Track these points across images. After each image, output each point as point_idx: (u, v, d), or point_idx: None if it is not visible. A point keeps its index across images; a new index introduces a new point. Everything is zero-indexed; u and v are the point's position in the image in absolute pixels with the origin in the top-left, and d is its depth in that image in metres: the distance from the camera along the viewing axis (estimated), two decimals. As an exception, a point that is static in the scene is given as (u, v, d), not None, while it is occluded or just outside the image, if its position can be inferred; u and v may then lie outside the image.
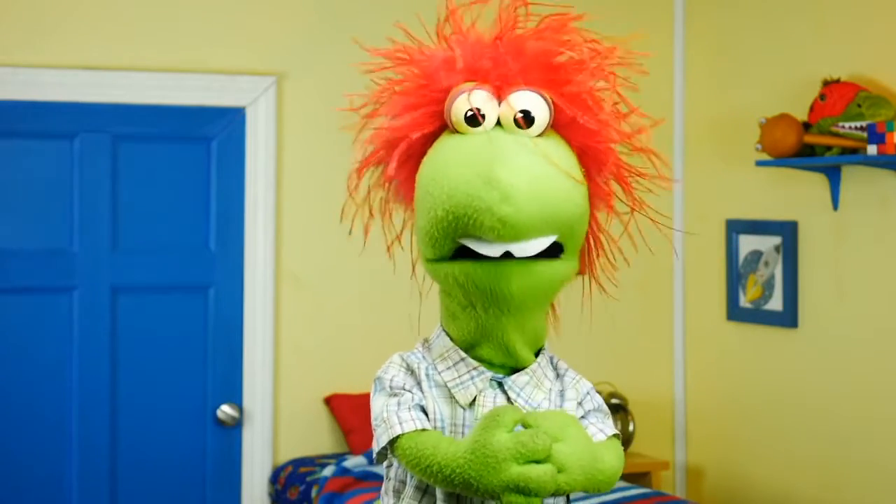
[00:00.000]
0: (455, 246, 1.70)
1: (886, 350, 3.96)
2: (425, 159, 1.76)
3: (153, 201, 4.31)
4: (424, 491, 1.77)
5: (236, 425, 4.39)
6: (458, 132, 1.73)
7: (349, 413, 4.36)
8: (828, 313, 4.17)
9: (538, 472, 1.62)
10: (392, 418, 1.74)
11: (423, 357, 1.82)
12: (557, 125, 1.74)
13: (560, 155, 1.71)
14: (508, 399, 1.78)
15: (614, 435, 1.82)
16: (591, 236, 1.83)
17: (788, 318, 4.29)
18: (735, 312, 4.55)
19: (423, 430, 1.72)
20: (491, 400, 1.77)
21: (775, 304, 4.35)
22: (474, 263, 1.69)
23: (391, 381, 1.79)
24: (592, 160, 1.76)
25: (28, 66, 4.16)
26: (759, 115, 4.20)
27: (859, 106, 3.86)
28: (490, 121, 1.71)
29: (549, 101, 1.72)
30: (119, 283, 4.27)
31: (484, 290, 1.70)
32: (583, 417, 1.83)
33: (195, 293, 4.36)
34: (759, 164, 4.19)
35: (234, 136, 4.38)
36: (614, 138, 1.74)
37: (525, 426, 1.67)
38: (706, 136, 4.69)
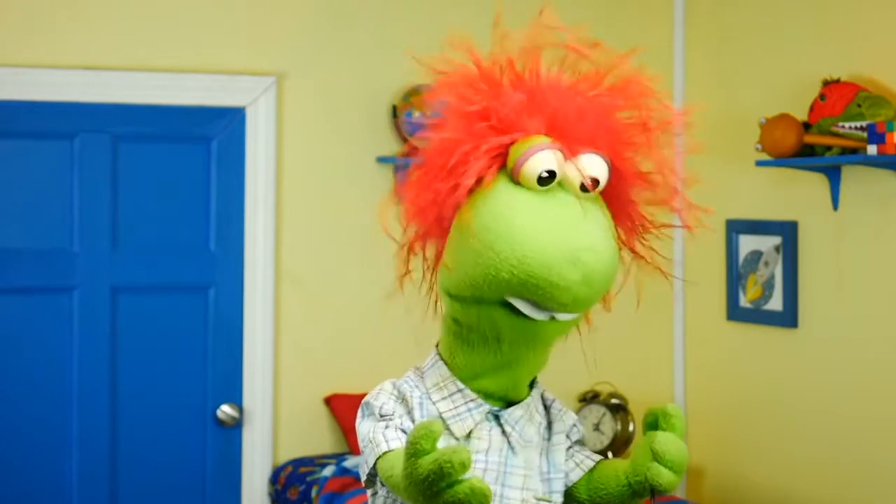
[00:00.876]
0: (498, 299, 1.68)
1: (886, 350, 3.96)
2: (483, 207, 1.68)
3: (153, 201, 4.31)
4: None
5: (236, 425, 4.39)
6: (519, 183, 1.68)
7: (349, 413, 4.36)
8: (828, 313, 4.17)
9: (464, 490, 1.52)
10: (378, 437, 1.73)
11: (417, 385, 1.80)
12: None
13: (611, 223, 1.73)
14: (503, 431, 1.78)
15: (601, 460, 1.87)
16: None
17: (788, 318, 4.29)
18: (735, 312, 4.54)
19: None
20: (487, 432, 1.77)
21: (775, 304, 4.35)
22: (518, 317, 1.69)
23: (381, 407, 1.77)
24: (619, 216, 1.78)
25: (28, 66, 4.15)
26: (759, 115, 4.19)
27: (859, 106, 3.86)
28: (559, 179, 1.69)
29: (610, 165, 1.72)
30: (119, 283, 4.27)
31: (521, 336, 1.71)
32: (570, 448, 1.86)
33: (195, 293, 4.36)
34: (759, 164, 4.19)
35: (234, 136, 4.38)
36: (655, 201, 1.78)
37: (663, 415, 1.72)
38: (706, 136, 4.68)
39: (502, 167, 1.70)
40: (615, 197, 1.76)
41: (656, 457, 1.69)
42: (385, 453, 1.71)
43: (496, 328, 1.71)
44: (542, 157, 1.67)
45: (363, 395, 4.08)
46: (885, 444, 3.97)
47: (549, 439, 1.83)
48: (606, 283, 1.68)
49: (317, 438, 4.47)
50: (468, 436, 1.76)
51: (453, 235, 1.72)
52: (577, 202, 1.68)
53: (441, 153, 1.69)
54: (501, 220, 1.66)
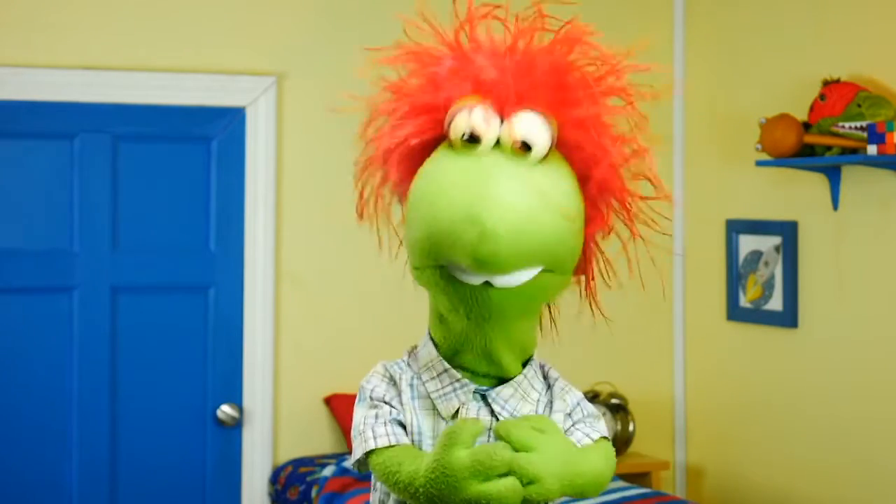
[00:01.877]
0: (435, 263, 1.67)
1: (886, 350, 3.96)
2: (420, 170, 1.71)
3: (153, 201, 4.31)
4: None
5: (236, 425, 4.39)
6: (455, 148, 1.67)
7: (349, 413, 4.33)
8: (828, 313, 4.17)
9: (499, 489, 1.60)
10: (367, 432, 1.74)
11: (409, 366, 1.80)
12: (561, 146, 1.69)
13: (556, 185, 1.65)
14: (492, 411, 1.75)
15: (603, 437, 1.79)
16: (587, 260, 1.78)
17: (788, 318, 4.29)
18: (735, 312, 4.54)
19: (396, 444, 1.72)
20: (474, 412, 1.74)
21: (775, 304, 4.35)
22: (458, 283, 1.66)
23: (372, 391, 1.78)
24: (594, 184, 1.71)
25: (28, 66, 4.15)
26: (759, 115, 4.20)
27: (859, 106, 3.86)
28: (489, 140, 1.65)
29: (553, 124, 1.66)
30: (119, 283, 4.27)
31: (466, 298, 1.67)
32: (572, 426, 1.80)
33: (195, 293, 4.36)
34: (759, 164, 4.19)
35: (234, 136, 4.38)
36: (617, 164, 1.69)
37: (497, 436, 1.65)
38: (706, 136, 4.69)
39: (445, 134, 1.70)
40: (575, 157, 1.70)
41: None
42: (374, 450, 1.72)
43: (448, 297, 1.69)
44: (462, 116, 1.65)
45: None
46: (885, 444, 3.97)
47: (549, 416, 1.80)
48: (518, 242, 1.60)
49: (317, 438, 4.47)
50: (454, 415, 1.75)
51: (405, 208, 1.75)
52: (501, 162, 1.63)
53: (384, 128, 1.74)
54: (422, 181, 1.68)
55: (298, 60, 4.44)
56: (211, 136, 4.37)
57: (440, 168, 1.67)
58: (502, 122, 1.66)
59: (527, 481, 1.61)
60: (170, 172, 4.33)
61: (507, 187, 1.61)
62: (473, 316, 1.69)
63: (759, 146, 4.09)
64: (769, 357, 4.42)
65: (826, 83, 3.98)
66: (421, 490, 1.63)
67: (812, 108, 4.01)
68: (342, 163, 4.85)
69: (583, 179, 1.71)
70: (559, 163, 1.69)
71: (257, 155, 4.38)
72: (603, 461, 1.75)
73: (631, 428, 4.61)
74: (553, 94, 1.67)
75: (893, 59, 3.93)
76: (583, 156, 1.70)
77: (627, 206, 1.74)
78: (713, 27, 4.68)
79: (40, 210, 4.20)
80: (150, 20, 4.28)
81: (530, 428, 1.66)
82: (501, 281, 1.63)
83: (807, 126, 4.04)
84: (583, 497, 1.73)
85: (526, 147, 1.64)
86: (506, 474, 1.61)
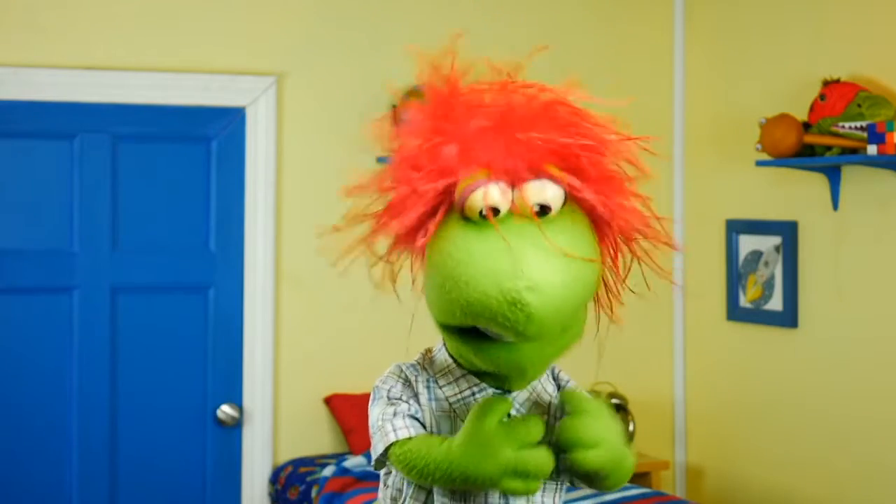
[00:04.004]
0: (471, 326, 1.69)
1: (886, 350, 3.96)
2: (436, 243, 1.70)
3: (153, 201, 4.31)
4: (423, 502, 1.78)
5: (236, 425, 4.39)
6: (469, 218, 1.66)
7: (349, 413, 4.36)
8: (828, 313, 4.17)
9: (535, 455, 1.64)
10: (387, 426, 1.76)
11: (424, 369, 1.82)
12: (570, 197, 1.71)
13: (575, 239, 1.66)
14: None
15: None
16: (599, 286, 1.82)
17: (788, 318, 4.29)
18: (735, 312, 4.55)
19: (417, 436, 1.74)
20: None
21: (775, 304, 4.35)
22: (486, 345, 1.68)
23: (389, 391, 1.81)
24: (604, 221, 1.74)
25: (28, 66, 4.16)
26: (759, 115, 4.20)
27: (859, 106, 3.86)
28: (505, 210, 1.65)
29: (563, 185, 1.67)
30: (119, 283, 4.27)
31: (495, 358, 1.70)
32: None
33: (195, 293, 4.36)
34: (759, 164, 4.19)
35: (234, 136, 4.39)
36: (631, 218, 1.73)
37: (562, 400, 1.72)
38: (706, 136, 4.69)
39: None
40: (593, 210, 1.73)
41: (569, 444, 1.69)
42: (395, 442, 1.74)
43: (475, 355, 1.72)
44: (479, 195, 1.65)
45: (363, 396, 4.06)
46: (885, 444, 3.97)
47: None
48: (560, 311, 1.63)
49: (317, 438, 4.47)
50: None
51: (424, 266, 1.75)
52: (524, 230, 1.64)
53: (390, 200, 1.75)
54: (448, 259, 1.66)
55: (298, 60, 4.44)
56: (211, 136, 4.37)
57: (464, 245, 1.66)
58: (512, 189, 1.67)
59: (591, 444, 1.67)
60: (170, 172, 4.33)
61: (545, 263, 1.62)
62: (501, 370, 1.72)
63: (759, 146, 4.10)
64: (769, 357, 4.42)
65: (826, 83, 3.98)
66: (455, 464, 1.65)
67: (812, 108, 4.01)
68: (342, 163, 4.85)
69: (591, 214, 1.73)
70: (572, 214, 1.69)
71: (257, 155, 4.39)
72: (632, 460, 1.79)
73: (631, 428, 4.61)
74: (558, 161, 1.68)
75: (893, 59, 3.94)
76: (595, 210, 1.72)
77: (635, 246, 1.79)
78: (713, 27, 4.68)
79: (40, 210, 4.20)
80: (150, 20, 4.28)
81: (598, 403, 1.73)
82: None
83: (807, 126, 4.04)
84: (607, 486, 1.76)
85: (543, 211, 1.66)
86: (540, 444, 1.66)
